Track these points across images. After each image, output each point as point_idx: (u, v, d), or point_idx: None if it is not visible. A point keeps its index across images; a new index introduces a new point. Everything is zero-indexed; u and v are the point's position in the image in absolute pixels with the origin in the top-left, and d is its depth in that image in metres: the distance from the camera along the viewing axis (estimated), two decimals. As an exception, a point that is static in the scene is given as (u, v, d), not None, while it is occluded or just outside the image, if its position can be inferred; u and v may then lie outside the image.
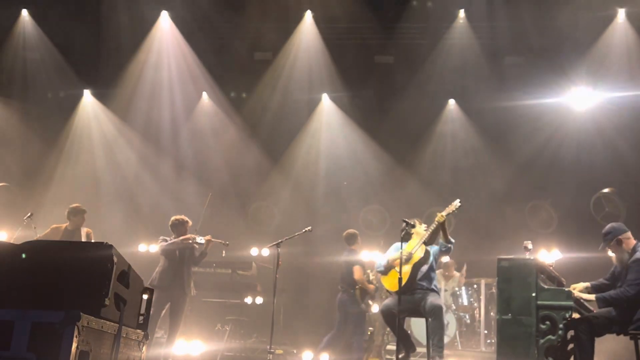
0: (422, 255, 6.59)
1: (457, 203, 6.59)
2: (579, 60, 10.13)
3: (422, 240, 6.66)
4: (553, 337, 6.05)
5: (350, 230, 8.44)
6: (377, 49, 11.47)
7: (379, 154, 11.74)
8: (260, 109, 11.76)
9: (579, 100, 10.54)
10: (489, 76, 10.96)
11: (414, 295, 6.54)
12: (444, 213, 6.55)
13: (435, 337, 6.35)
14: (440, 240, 6.72)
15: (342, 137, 12.02)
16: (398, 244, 6.53)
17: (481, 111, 11.27)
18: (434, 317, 6.41)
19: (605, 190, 10.80)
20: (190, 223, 8.13)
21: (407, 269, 6.56)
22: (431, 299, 6.48)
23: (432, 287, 6.65)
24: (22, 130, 11.20)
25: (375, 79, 11.63)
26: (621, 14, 10.17)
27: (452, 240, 6.66)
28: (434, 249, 6.75)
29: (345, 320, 8.07)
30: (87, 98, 11.87)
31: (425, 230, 6.72)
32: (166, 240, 7.96)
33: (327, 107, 12.08)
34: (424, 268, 6.63)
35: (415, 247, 6.63)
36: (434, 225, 6.61)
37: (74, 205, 8.34)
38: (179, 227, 7.99)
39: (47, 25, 11.06)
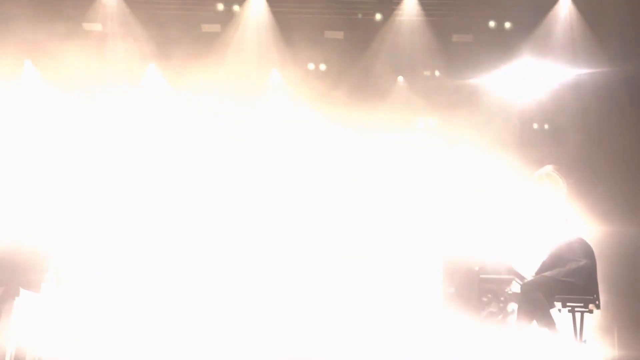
0: None
1: None
2: (524, 40, 10.34)
3: None
4: (494, 310, 6.21)
5: None
6: (327, 24, 11.43)
7: (327, 131, 11.72)
8: (208, 83, 11.59)
9: (523, 80, 10.78)
10: (438, 54, 11.09)
11: None
12: None
13: None
14: None
15: (291, 114, 11.97)
16: None
17: (429, 89, 11.38)
18: None
19: (546, 167, 11.05)
20: None
21: None
22: None
23: None
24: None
25: (325, 55, 11.59)
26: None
27: None
28: None
29: None
30: (28, 68, 11.48)
31: None
32: None
33: (276, 83, 11.97)
34: None
35: None
36: None
37: None
38: None
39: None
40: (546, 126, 10.78)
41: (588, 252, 6.88)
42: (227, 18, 11.25)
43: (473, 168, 10.92)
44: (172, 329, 8.17)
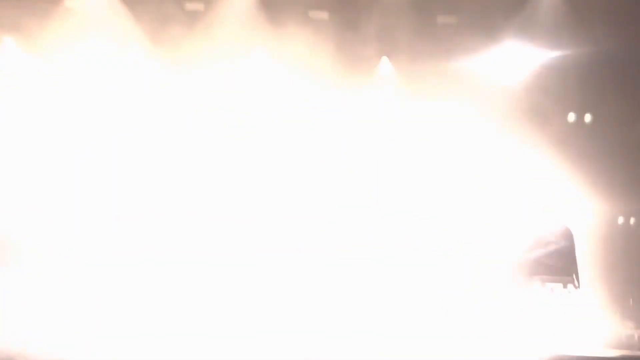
0: None
1: None
2: (508, 22, 10.36)
3: None
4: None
5: None
6: (311, 3, 11.37)
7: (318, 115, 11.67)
8: (190, 63, 11.50)
9: (508, 62, 10.79)
10: (422, 36, 11.06)
11: None
12: None
13: None
14: None
15: (274, 94, 11.90)
16: None
17: (413, 71, 11.36)
18: None
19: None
20: None
21: None
22: None
23: None
24: None
25: (310, 35, 11.52)
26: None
27: None
28: None
29: None
30: (8, 46, 11.32)
31: None
32: None
33: (260, 63, 11.89)
34: None
35: None
36: None
37: None
38: None
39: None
40: (530, 108, 10.79)
41: (567, 234, 7.03)
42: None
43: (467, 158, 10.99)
44: (170, 326, 8.13)
